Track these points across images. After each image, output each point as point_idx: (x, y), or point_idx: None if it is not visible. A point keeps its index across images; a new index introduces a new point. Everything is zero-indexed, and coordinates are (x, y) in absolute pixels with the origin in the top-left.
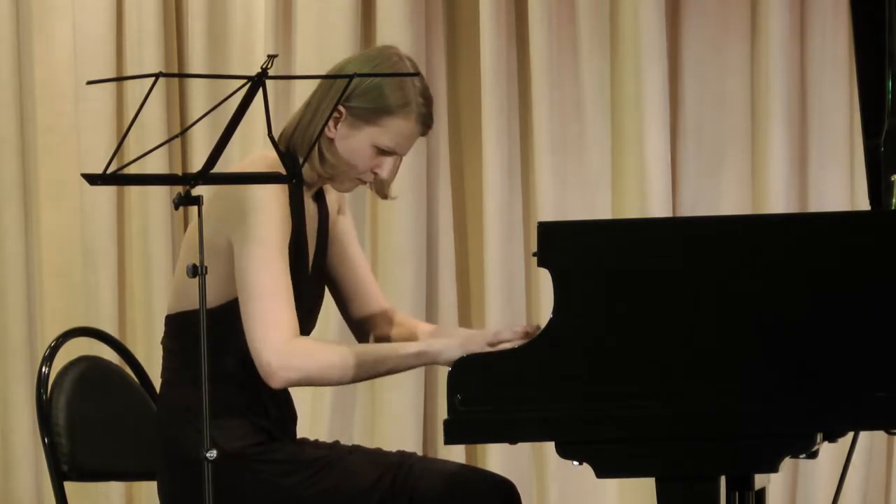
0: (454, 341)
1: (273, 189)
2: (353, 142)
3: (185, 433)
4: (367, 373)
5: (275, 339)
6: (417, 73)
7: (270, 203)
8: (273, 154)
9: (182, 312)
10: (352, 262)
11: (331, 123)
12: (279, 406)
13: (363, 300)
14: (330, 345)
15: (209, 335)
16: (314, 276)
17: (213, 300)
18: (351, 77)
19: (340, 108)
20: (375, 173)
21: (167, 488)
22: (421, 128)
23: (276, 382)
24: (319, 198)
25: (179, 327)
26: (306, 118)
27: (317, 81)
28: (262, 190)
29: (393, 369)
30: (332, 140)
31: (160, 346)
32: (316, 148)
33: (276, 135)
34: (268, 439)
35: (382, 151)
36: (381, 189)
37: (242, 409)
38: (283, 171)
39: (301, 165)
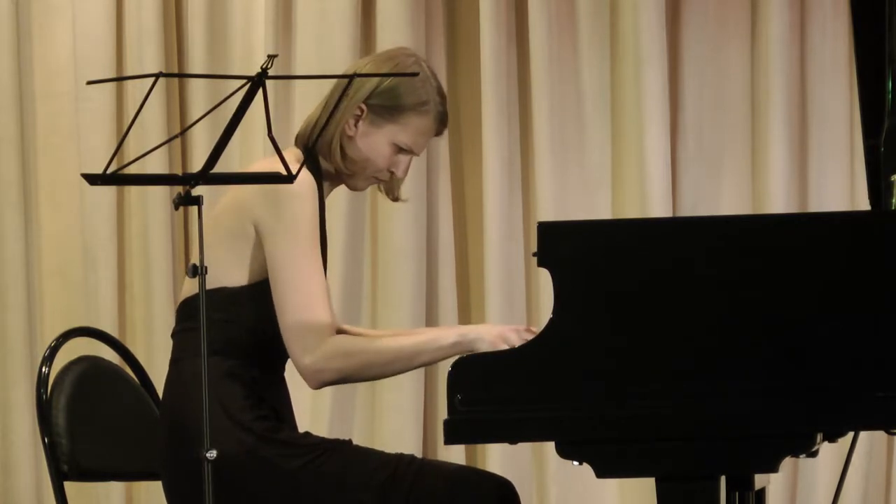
0: (491, 331)
1: (306, 183)
2: (373, 139)
3: (191, 404)
4: (403, 368)
5: (309, 341)
6: (417, 74)
7: (303, 193)
8: (296, 151)
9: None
10: None
11: (351, 121)
12: (282, 392)
13: None
14: (365, 343)
15: (229, 313)
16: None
17: (235, 280)
18: (351, 77)
19: (361, 105)
20: (392, 172)
21: (170, 473)
22: (437, 126)
23: (314, 384)
24: None
25: (198, 306)
26: (322, 118)
27: (321, 81)
28: (297, 183)
29: (429, 362)
30: (351, 138)
31: (160, 347)
32: (338, 145)
33: (287, 133)
34: (274, 415)
35: (400, 150)
36: (392, 190)
37: (252, 383)
38: (303, 166)
39: (315, 157)
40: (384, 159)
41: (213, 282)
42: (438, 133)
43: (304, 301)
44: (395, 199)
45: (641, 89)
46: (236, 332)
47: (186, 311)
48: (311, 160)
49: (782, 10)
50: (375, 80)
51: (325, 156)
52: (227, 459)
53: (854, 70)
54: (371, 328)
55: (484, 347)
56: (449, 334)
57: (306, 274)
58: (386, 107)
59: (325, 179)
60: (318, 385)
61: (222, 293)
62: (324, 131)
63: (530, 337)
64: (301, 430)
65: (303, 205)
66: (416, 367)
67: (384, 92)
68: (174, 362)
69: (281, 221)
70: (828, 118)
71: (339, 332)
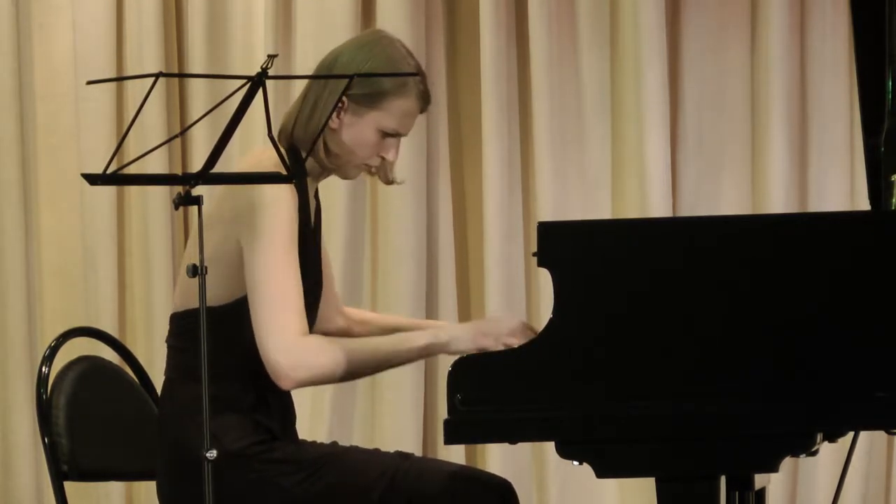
0: (465, 333)
1: (282, 189)
2: (357, 129)
3: (187, 432)
4: (375, 369)
5: (284, 339)
6: (416, 74)
7: (280, 200)
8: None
9: (189, 310)
10: (325, 257)
11: (334, 114)
12: (283, 404)
13: (325, 297)
14: (338, 343)
15: (218, 333)
16: (318, 269)
17: (221, 298)
18: (351, 77)
19: (343, 97)
20: (382, 157)
21: (167, 487)
22: (421, 104)
23: (285, 383)
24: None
25: (186, 325)
26: (305, 113)
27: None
28: (272, 187)
29: (402, 363)
30: (335, 130)
31: (160, 347)
32: (321, 141)
33: (275, 133)
34: (270, 438)
35: (387, 134)
36: (386, 175)
37: (247, 408)
38: (301, 167)
39: (305, 160)
40: (371, 147)
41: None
42: (422, 110)
43: (277, 302)
44: (390, 181)
45: (641, 89)
46: (225, 356)
47: (177, 327)
48: (295, 158)
49: (782, 10)
50: (351, 68)
51: (308, 152)
52: (226, 487)
53: (854, 70)
54: None
55: (461, 348)
56: (422, 336)
57: (280, 276)
58: (367, 94)
59: (309, 175)
60: (291, 385)
61: (207, 312)
62: (307, 127)
63: (508, 340)
64: (301, 431)
65: (278, 211)
66: (390, 368)
67: (361, 81)
68: (168, 380)
69: (257, 228)
70: (828, 118)
71: (341, 314)
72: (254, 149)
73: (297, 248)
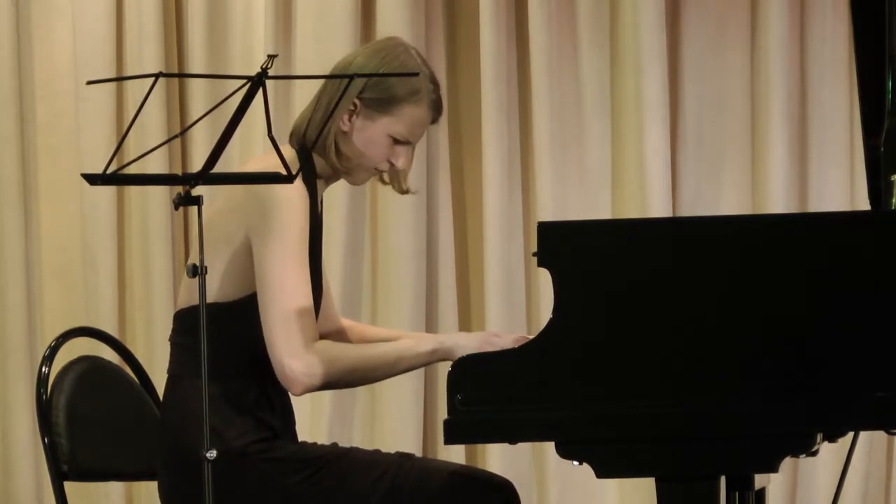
0: (471, 341)
1: (294, 186)
2: (368, 133)
3: (189, 430)
4: (385, 374)
5: (297, 345)
6: (416, 74)
7: (292, 200)
8: (289, 151)
9: (194, 307)
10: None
11: (345, 117)
12: (283, 402)
13: (322, 307)
14: (349, 349)
15: (224, 330)
16: (320, 274)
17: (228, 295)
18: (351, 77)
19: (355, 100)
20: (391, 163)
21: (168, 486)
22: (432, 114)
23: (297, 388)
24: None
25: (191, 323)
26: (318, 115)
27: (319, 80)
28: (286, 187)
29: (409, 368)
30: (346, 133)
31: (160, 347)
32: (332, 142)
33: (287, 133)
34: (271, 436)
35: (397, 141)
36: (399, 183)
37: (250, 406)
38: (297, 169)
39: (309, 155)
40: (381, 152)
41: (206, 295)
42: (434, 121)
43: (291, 306)
44: (404, 191)
45: (641, 89)
46: (230, 351)
47: (182, 324)
48: (305, 159)
49: (782, 11)
50: (365, 72)
51: (320, 153)
52: (227, 485)
53: (854, 70)
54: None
55: (464, 354)
56: (428, 341)
57: (293, 279)
58: (379, 99)
59: (320, 178)
60: (303, 390)
61: (214, 309)
62: (319, 129)
63: (511, 342)
64: (301, 431)
65: (292, 211)
66: (397, 374)
67: (376, 84)
68: (171, 378)
69: (270, 227)
70: (828, 118)
71: (338, 327)
72: (261, 153)
73: (308, 250)
